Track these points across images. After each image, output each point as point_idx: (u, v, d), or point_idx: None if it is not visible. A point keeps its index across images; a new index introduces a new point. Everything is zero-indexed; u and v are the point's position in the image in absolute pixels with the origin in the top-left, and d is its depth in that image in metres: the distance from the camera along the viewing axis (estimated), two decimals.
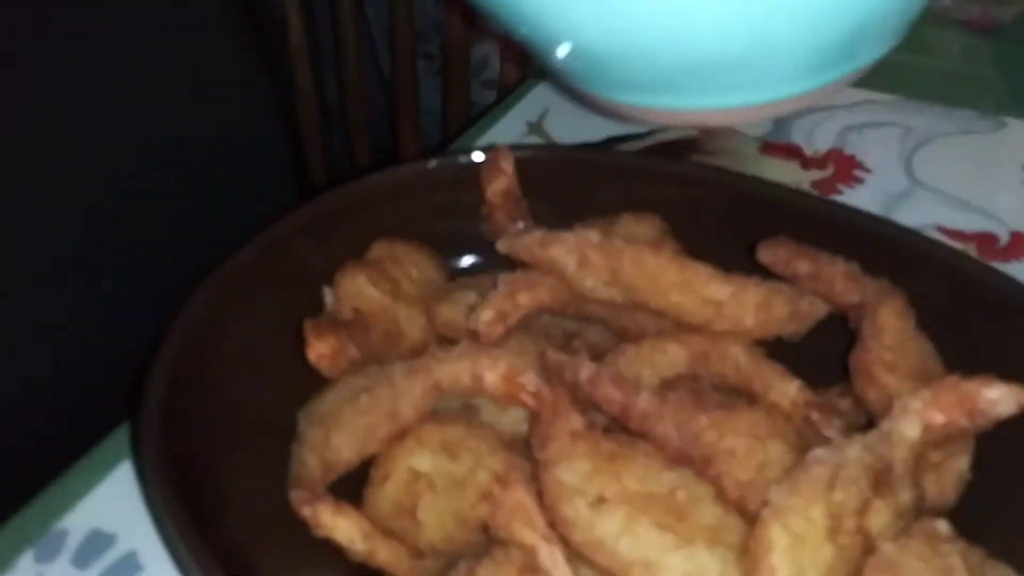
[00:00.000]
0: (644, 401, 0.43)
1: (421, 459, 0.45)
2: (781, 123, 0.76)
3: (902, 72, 0.81)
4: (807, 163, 0.72)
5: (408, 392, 0.45)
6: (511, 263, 0.51)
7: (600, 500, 0.40)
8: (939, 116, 0.76)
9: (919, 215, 0.67)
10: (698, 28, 0.52)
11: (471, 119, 1.00)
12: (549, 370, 0.45)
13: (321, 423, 0.47)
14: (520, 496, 0.42)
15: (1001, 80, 0.79)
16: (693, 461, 0.41)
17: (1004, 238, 0.66)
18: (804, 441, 0.43)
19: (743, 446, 0.41)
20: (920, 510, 0.41)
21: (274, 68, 0.85)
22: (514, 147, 0.56)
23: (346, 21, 1.06)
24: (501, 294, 0.48)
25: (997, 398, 0.40)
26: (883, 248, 0.50)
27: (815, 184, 0.70)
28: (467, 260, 0.56)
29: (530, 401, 0.44)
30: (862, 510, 0.38)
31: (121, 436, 0.55)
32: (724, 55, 0.54)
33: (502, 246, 0.51)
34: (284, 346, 0.49)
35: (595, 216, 0.54)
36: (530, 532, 0.41)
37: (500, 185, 0.55)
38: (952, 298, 0.48)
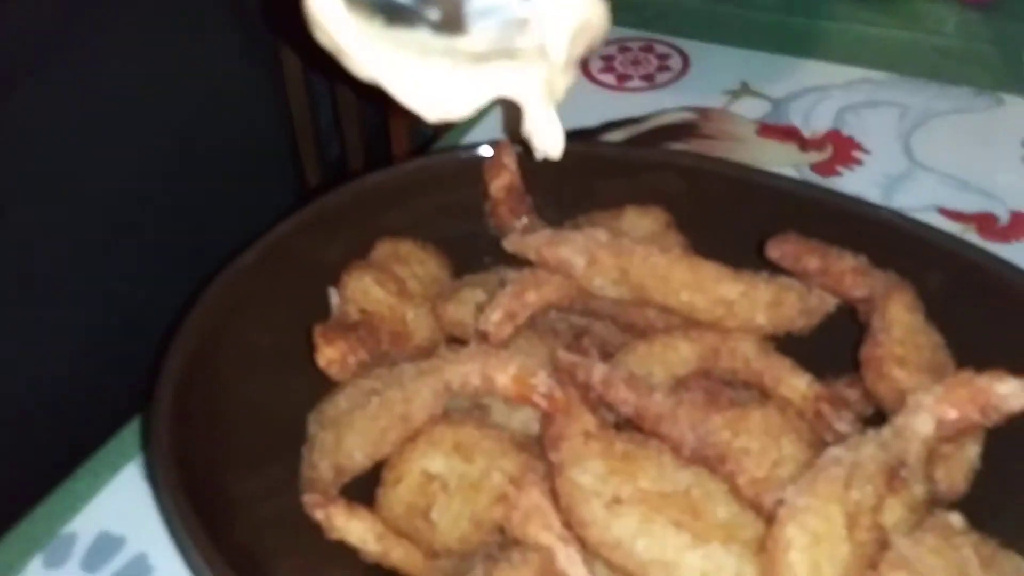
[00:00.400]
0: (658, 402, 0.43)
1: (434, 461, 0.45)
2: (778, 104, 0.75)
3: (898, 49, 0.80)
4: (805, 145, 0.72)
5: (418, 394, 0.45)
6: (515, 258, 0.51)
7: (616, 500, 0.40)
8: (936, 94, 0.76)
9: (919, 197, 0.67)
10: None
11: None
12: (561, 371, 0.45)
13: (332, 427, 0.47)
14: (536, 498, 0.42)
15: (998, 56, 0.79)
16: (708, 460, 0.42)
17: (1004, 218, 0.66)
18: (817, 436, 0.44)
19: (757, 444, 0.41)
20: (932, 501, 0.42)
21: (274, 68, 0.84)
22: (516, 141, 0.56)
23: None
24: (509, 294, 0.48)
25: (1009, 393, 0.40)
26: (888, 238, 0.50)
27: (814, 166, 0.70)
28: (471, 257, 0.55)
29: (542, 402, 0.44)
30: (877, 507, 0.39)
31: (126, 437, 0.55)
32: None
33: (509, 245, 0.51)
34: (293, 346, 0.49)
35: (599, 209, 0.54)
36: (547, 534, 0.41)
37: (503, 180, 0.54)
38: (959, 289, 0.48)
